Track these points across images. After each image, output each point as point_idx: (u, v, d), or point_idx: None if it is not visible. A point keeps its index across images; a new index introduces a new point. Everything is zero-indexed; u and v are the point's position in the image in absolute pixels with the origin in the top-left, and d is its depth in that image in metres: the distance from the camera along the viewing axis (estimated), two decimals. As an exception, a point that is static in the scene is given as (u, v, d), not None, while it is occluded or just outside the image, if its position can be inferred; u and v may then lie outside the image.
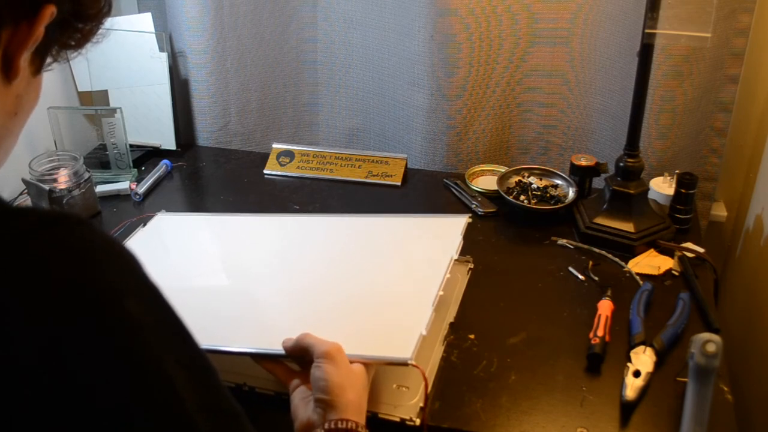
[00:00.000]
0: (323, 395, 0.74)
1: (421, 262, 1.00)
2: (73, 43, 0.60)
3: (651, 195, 1.23)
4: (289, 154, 1.47)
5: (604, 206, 1.20)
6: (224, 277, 1.07)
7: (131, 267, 0.50)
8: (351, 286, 0.98)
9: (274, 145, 1.49)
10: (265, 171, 1.44)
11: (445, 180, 1.39)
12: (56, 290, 0.45)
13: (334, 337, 0.82)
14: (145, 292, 0.50)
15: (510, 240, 1.21)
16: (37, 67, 0.58)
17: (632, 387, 0.88)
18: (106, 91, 1.52)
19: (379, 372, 0.90)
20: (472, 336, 0.98)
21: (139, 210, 1.33)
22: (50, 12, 0.53)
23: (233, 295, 1.02)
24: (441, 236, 1.04)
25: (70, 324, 0.44)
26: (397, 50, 1.45)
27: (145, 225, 1.21)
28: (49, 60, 0.60)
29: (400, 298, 0.94)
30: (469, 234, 1.20)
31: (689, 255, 1.14)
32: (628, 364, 0.92)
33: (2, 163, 0.61)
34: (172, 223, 1.22)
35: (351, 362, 0.79)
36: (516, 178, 1.33)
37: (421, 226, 1.10)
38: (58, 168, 1.26)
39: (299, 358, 0.82)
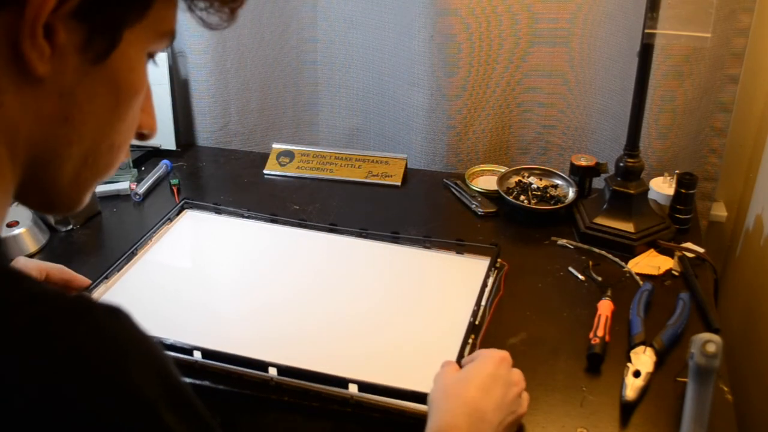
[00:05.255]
0: None
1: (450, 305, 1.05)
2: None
3: (651, 195, 1.23)
4: (289, 154, 1.47)
5: (604, 206, 1.20)
6: (255, 291, 1.09)
7: (166, 371, 0.45)
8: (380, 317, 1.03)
9: (274, 145, 1.49)
10: (265, 171, 1.44)
11: (445, 180, 1.39)
12: (86, 398, 0.40)
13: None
14: (179, 399, 0.45)
15: (510, 240, 1.21)
16: (97, 51, 0.45)
17: (632, 387, 0.88)
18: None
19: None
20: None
21: (139, 210, 1.33)
22: None
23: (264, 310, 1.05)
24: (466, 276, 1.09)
25: None
26: (397, 50, 1.45)
27: (171, 220, 1.23)
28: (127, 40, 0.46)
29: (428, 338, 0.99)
30: (469, 234, 1.21)
31: (689, 255, 1.14)
32: (628, 364, 0.92)
33: (81, 187, 0.52)
34: (207, 224, 1.24)
35: None
36: (516, 178, 1.33)
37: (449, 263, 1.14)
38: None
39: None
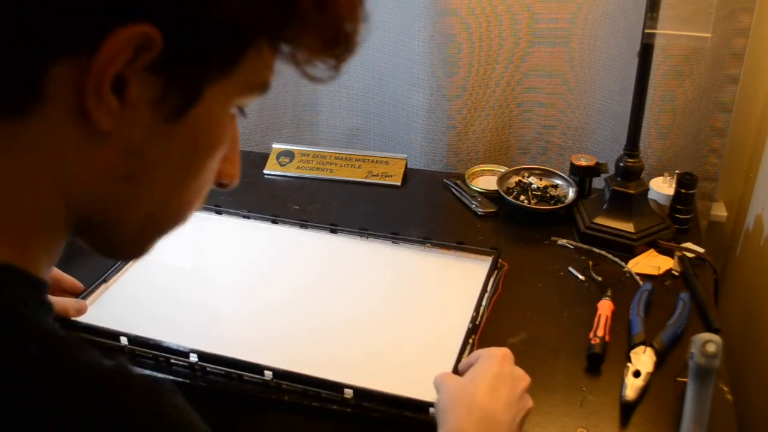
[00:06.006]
0: None
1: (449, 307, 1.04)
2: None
3: (651, 195, 1.23)
4: (289, 154, 1.47)
5: (604, 206, 1.20)
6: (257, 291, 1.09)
7: None
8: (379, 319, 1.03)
9: (274, 145, 1.49)
10: (265, 171, 1.44)
11: (445, 180, 1.39)
12: None
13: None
14: None
15: (510, 240, 1.21)
16: (173, 108, 0.41)
17: (632, 387, 0.88)
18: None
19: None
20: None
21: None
22: (129, 36, 0.37)
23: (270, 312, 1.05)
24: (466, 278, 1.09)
25: None
26: (396, 50, 1.45)
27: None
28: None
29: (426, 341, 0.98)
30: (469, 234, 1.21)
31: (689, 255, 1.14)
32: (628, 364, 0.92)
33: (133, 246, 0.49)
34: (207, 224, 1.24)
35: None
36: (516, 178, 1.33)
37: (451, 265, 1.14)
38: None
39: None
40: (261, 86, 0.45)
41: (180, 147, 0.44)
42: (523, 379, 0.80)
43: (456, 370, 0.87)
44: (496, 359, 0.80)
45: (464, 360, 0.87)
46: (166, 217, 0.48)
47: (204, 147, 0.45)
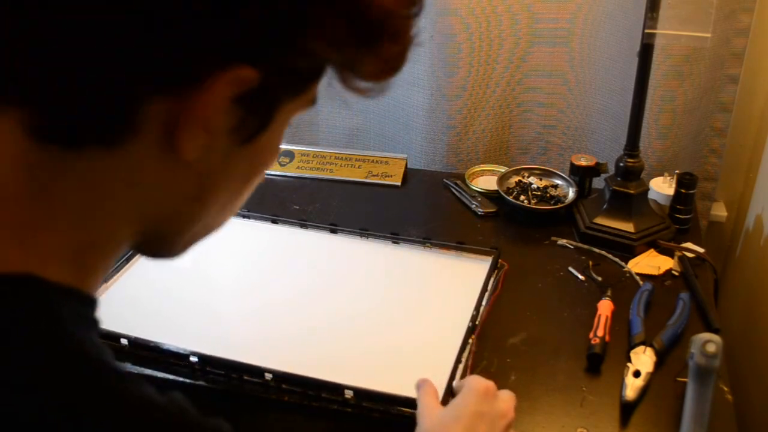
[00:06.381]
0: None
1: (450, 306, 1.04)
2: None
3: (651, 195, 1.23)
4: (289, 154, 1.47)
5: (604, 206, 1.20)
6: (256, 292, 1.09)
7: None
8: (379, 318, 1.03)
9: (274, 145, 1.49)
10: (265, 171, 1.44)
11: (445, 180, 1.39)
12: None
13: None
14: None
15: (510, 240, 1.21)
16: (248, 134, 0.43)
17: (632, 387, 0.88)
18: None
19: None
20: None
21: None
22: (231, 78, 0.39)
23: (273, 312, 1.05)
24: (467, 278, 1.09)
25: None
26: (397, 50, 1.44)
27: None
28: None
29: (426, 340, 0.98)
30: (469, 234, 1.21)
31: (689, 255, 1.14)
32: (628, 364, 0.92)
33: (182, 244, 0.50)
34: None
35: None
36: (516, 178, 1.33)
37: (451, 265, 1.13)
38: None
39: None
40: (313, 101, 0.48)
41: (244, 166, 0.47)
42: (504, 416, 0.76)
43: (450, 386, 0.88)
44: (476, 396, 0.76)
45: (457, 383, 0.84)
46: (215, 226, 0.51)
47: (263, 163, 0.48)
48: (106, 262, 0.46)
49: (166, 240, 0.49)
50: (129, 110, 0.38)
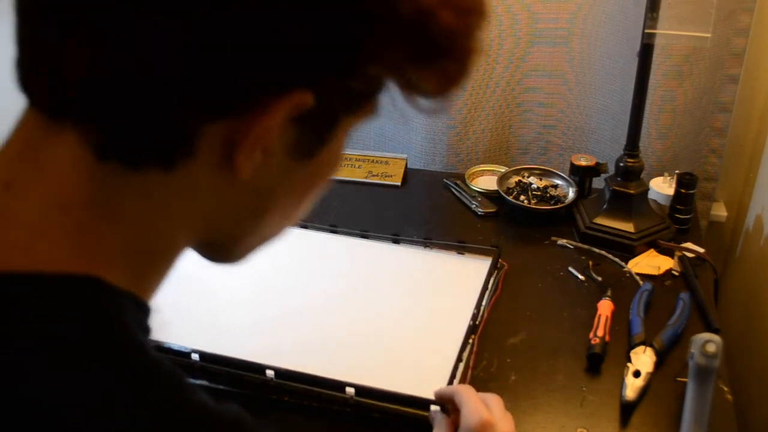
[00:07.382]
0: None
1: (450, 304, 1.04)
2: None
3: (651, 195, 1.23)
4: (289, 154, 1.47)
5: (604, 206, 1.20)
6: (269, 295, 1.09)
7: None
8: (381, 318, 1.03)
9: (274, 145, 1.49)
10: (265, 171, 1.44)
11: (445, 180, 1.39)
12: None
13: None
14: None
15: (510, 240, 1.21)
16: (307, 151, 0.44)
17: (632, 387, 0.88)
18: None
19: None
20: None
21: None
22: (291, 104, 0.39)
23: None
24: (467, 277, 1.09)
25: None
26: (397, 50, 1.44)
27: None
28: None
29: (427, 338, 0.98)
30: (469, 234, 1.21)
31: (689, 255, 1.14)
32: (628, 364, 0.92)
33: (235, 255, 0.52)
34: None
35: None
36: (516, 178, 1.33)
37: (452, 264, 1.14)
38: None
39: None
40: (374, 113, 0.47)
41: (304, 178, 0.46)
42: None
43: (451, 382, 0.88)
44: (474, 428, 0.72)
45: (445, 389, 0.82)
46: (275, 234, 0.52)
47: (324, 175, 0.48)
48: (163, 271, 0.47)
49: (224, 248, 0.50)
50: (188, 135, 0.39)
